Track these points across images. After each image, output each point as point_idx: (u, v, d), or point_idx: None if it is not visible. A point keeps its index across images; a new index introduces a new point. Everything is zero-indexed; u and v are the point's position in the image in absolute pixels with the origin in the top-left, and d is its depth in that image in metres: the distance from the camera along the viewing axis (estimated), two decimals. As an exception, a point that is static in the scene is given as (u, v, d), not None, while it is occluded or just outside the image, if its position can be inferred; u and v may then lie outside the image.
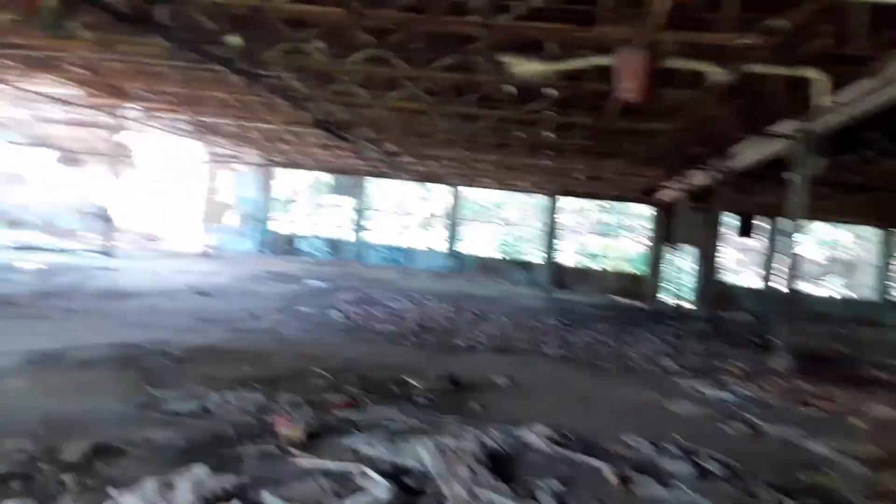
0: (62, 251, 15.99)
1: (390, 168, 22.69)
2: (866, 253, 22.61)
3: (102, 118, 18.33)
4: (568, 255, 24.37)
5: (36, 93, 16.42)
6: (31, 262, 12.79)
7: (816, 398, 7.84)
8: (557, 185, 21.92)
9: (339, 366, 6.64)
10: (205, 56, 9.78)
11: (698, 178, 16.01)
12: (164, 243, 23.65)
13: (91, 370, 5.44)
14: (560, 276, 23.03)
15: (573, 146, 14.63)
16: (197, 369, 5.93)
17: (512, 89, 10.75)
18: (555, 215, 23.00)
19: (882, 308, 21.38)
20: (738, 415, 6.51)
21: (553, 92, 10.38)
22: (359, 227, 24.90)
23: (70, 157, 24.79)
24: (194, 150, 22.71)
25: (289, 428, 4.25)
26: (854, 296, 22.27)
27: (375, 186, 26.09)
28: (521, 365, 8.04)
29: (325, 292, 13.45)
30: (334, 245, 24.84)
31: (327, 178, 25.27)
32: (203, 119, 18.25)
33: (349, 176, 24.59)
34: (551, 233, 22.90)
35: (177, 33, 8.43)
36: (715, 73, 6.56)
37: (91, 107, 17.55)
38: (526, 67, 6.98)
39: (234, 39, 7.83)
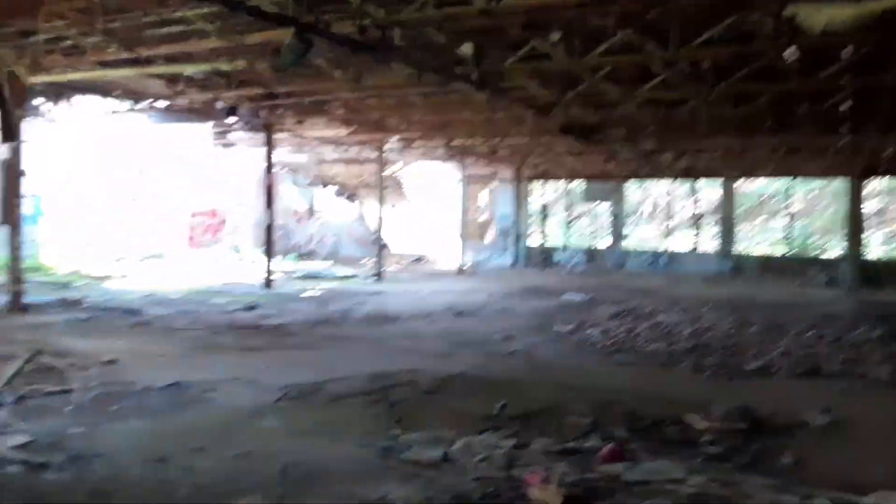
0: (342, 278, 17.40)
1: (648, 168, 21.04)
2: None
3: (370, 153, 19.79)
4: (877, 248, 20.20)
5: (312, 137, 18.31)
6: (313, 291, 13.99)
7: None
8: (858, 166, 18.20)
9: (600, 398, 5.71)
10: (446, 76, 9.67)
11: None
12: (429, 264, 24.83)
13: (341, 406, 5.28)
14: (868, 273, 19.05)
15: (882, 115, 11.82)
16: (445, 403, 5.49)
17: (794, 55, 8.85)
18: (856, 202, 19.16)
19: None
20: None
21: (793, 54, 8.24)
22: (617, 234, 23.52)
23: (347, 192, 27.43)
24: (451, 173, 23.54)
25: (541, 491, 3.47)
26: None
27: (633, 189, 24.53)
28: (838, 395, 6.28)
29: (584, 307, 12.55)
30: (592, 255, 23.78)
31: (581, 185, 24.37)
32: (455, 142, 18.70)
33: (604, 181, 23.39)
34: (854, 222, 19.10)
35: (413, 55, 8.34)
36: None
37: (358, 144, 19.08)
38: (824, 15, 5.39)
39: (467, 47, 7.41)
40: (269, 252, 14.14)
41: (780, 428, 5.13)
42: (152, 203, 20.62)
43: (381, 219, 18.80)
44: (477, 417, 5.01)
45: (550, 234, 25.81)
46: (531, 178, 24.98)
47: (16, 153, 9.47)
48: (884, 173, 18.77)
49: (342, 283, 16.04)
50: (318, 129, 16.76)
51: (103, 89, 13.53)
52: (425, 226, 27.25)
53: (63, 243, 16.85)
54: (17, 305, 9.37)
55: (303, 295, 13.16)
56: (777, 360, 7.80)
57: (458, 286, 16.00)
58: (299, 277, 16.84)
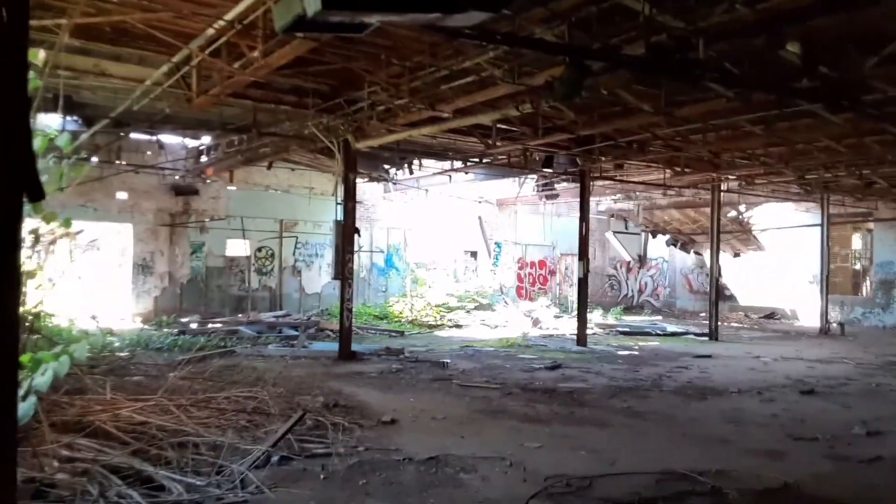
0: (668, 335, 15.73)
1: None
2: None
3: (705, 195, 17.83)
4: None
5: (635, 182, 17.22)
6: (630, 349, 12.76)
7: None
8: None
9: None
10: (781, 93, 7.89)
11: None
12: (783, 321, 21.24)
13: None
14: None
15: None
16: (754, 535, 3.96)
17: None
18: None
19: None
20: None
21: None
22: None
23: (682, 239, 25.32)
24: (812, 214, 19.99)
25: None
26: None
27: None
28: None
29: None
30: None
31: None
32: (811, 176, 15.71)
33: None
34: None
35: (728, 71, 6.89)
36: None
37: (687, 186, 17.34)
38: None
39: (794, 47, 5.75)
40: (583, 305, 13.34)
41: None
42: (486, 255, 21.70)
43: (716, 267, 16.60)
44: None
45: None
46: (924, 215, 19.79)
47: (349, 213, 10.49)
48: None
49: (667, 342, 14.41)
50: (640, 172, 15.64)
51: (436, 152, 14.64)
52: (779, 276, 23.57)
53: (408, 294, 18.59)
54: (346, 353, 10.23)
55: (617, 354, 12.03)
56: None
57: (816, 352, 13.05)
58: (621, 333, 15.69)
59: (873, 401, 8.23)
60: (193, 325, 13.66)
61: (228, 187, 16.78)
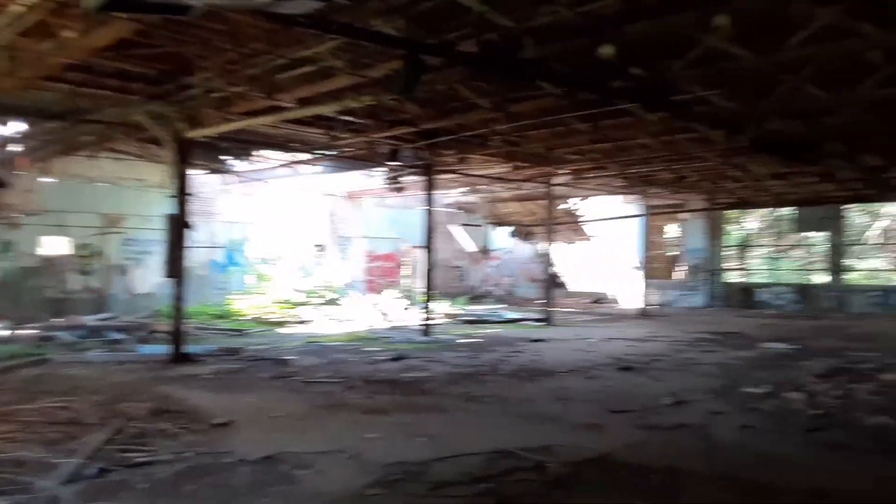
0: (508, 321, 16.49)
1: (875, 189, 17.66)
2: None
3: (540, 189, 18.82)
4: None
5: (478, 176, 17.80)
6: (473, 337, 13.22)
7: None
8: None
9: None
10: (602, 93, 8.50)
11: None
12: (610, 304, 23.04)
13: (442, 499, 4.29)
14: None
15: None
16: (570, 502, 4.28)
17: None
18: None
19: None
20: None
21: None
22: (836, 268, 20.00)
23: (523, 231, 26.63)
24: (634, 205, 21.79)
25: None
26: None
27: (857, 215, 20.87)
28: None
29: (786, 359, 10.34)
30: (805, 293, 20.45)
31: (790, 213, 21.22)
32: (632, 171, 17.11)
33: (819, 207, 20.12)
34: None
35: (555, 70, 7.33)
36: None
37: (525, 180, 18.23)
38: None
39: (607, 49, 6.24)
40: (429, 297, 13.63)
41: None
42: (333, 249, 21.44)
43: (550, 257, 17.65)
44: (607, 530, 3.77)
45: (751, 269, 22.78)
46: (727, 207, 22.33)
47: (181, 207, 9.90)
48: None
49: (507, 328, 15.12)
50: (482, 166, 16.19)
51: (278, 143, 14.19)
52: (606, 263, 25.54)
53: (251, 290, 17.90)
54: (179, 355, 9.67)
55: (460, 342, 12.43)
56: None
57: (636, 332, 14.31)
58: (465, 322, 16.22)
59: (681, 374, 9.19)
60: (2, 333, 12.25)
61: (44, 179, 15.18)
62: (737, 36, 6.77)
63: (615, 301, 23.91)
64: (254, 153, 15.30)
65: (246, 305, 16.80)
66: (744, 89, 8.90)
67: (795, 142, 11.92)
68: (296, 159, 15.14)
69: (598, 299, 24.32)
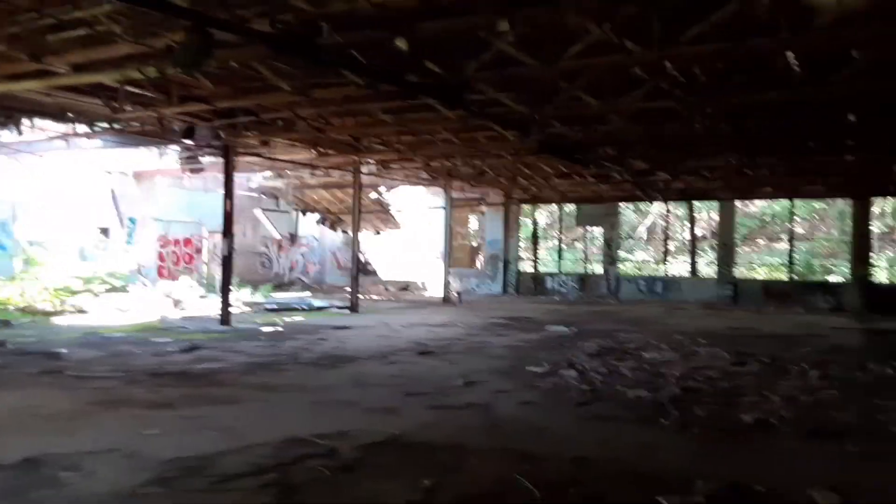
0: (315, 309, 16.30)
1: (641, 190, 20.03)
2: None
3: (349, 178, 18.75)
4: (885, 271, 19.07)
5: (284, 160, 17.31)
6: (276, 326, 12.89)
7: None
8: (867, 186, 17.16)
9: (559, 473, 4.60)
10: (403, 87, 8.67)
11: None
12: (418, 292, 23.74)
13: (221, 494, 4.15)
14: (876, 297, 17.93)
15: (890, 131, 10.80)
16: (360, 483, 4.37)
17: (795, 62, 7.87)
18: (863, 223, 18.06)
19: None
20: None
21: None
22: (611, 260, 22.43)
23: (331, 218, 26.43)
24: (439, 197, 22.57)
25: None
26: None
27: (628, 213, 23.52)
28: (855, 462, 5.15)
29: (566, 341, 11.42)
30: (585, 281, 22.68)
31: (574, 209, 23.35)
32: (435, 163, 17.72)
33: (598, 205, 22.38)
34: (860, 244, 17.99)
35: (355, 60, 7.37)
36: None
37: (332, 167, 18.09)
38: None
39: (401, 42, 6.41)
40: (227, 284, 13.04)
41: (784, 517, 4.01)
42: (119, 232, 19.64)
43: (358, 245, 17.74)
44: (393, 508, 3.91)
45: (542, 260, 24.76)
46: (521, 202, 24.01)
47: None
48: (892, 193, 17.70)
49: (311, 316, 14.94)
50: (288, 151, 15.78)
51: (51, 113, 12.64)
52: (414, 252, 26.27)
53: (18, 276, 15.80)
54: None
55: (261, 331, 12.05)
56: (778, 409, 6.68)
57: (437, 318, 14.90)
58: (268, 310, 15.75)
59: (474, 357, 9.74)
60: None
61: None
62: (523, 44, 7.32)
63: (423, 288, 24.68)
64: (23, 122, 13.48)
65: (12, 293, 14.82)
66: (530, 94, 9.62)
67: (574, 145, 13.17)
68: (74, 131, 13.59)
69: (406, 287, 24.93)
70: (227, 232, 13.07)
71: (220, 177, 18.15)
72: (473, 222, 27.81)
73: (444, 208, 21.45)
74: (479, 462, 4.85)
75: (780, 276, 20.60)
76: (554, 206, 24.49)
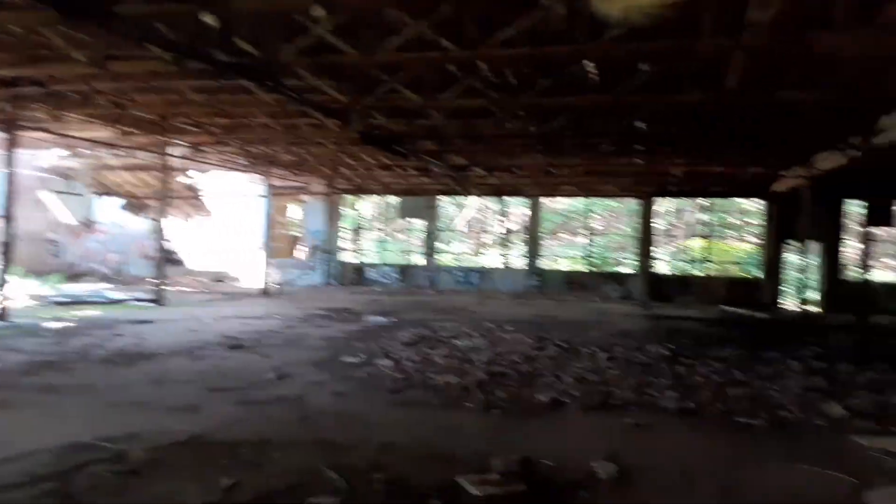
0: (112, 302, 14.96)
1: (459, 184, 20.79)
2: None
3: (156, 160, 17.37)
4: (665, 263, 21.59)
5: (81, 139, 15.64)
6: (63, 320, 11.65)
7: None
8: (650, 187, 19.28)
9: (367, 460, 4.68)
10: (212, 66, 8.20)
11: (826, 161, 13.13)
12: (230, 284, 22.68)
13: (-14, 507, 3.71)
14: (658, 286, 20.29)
15: (673, 137, 12.18)
16: (152, 487, 4.11)
17: (593, 70, 8.59)
18: (647, 220, 20.30)
19: None
20: None
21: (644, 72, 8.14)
22: (431, 251, 23.09)
23: (136, 203, 24.40)
24: (258, 185, 21.68)
25: None
26: None
27: (448, 206, 24.33)
28: (630, 433, 5.80)
29: (384, 331, 11.58)
30: (405, 272, 23.13)
31: (396, 201, 23.66)
32: (254, 149, 17.01)
33: (419, 197, 22.87)
34: (645, 239, 20.22)
35: (151, 30, 6.85)
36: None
37: (137, 147, 16.67)
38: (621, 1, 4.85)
39: (210, 18, 6.09)
40: (7, 274, 11.53)
41: (565, 485, 4.41)
42: None
43: (164, 232, 16.56)
44: (187, 510, 3.72)
45: (365, 251, 24.84)
46: (345, 192, 23.86)
47: None
48: (671, 194, 20.04)
49: (110, 310, 13.70)
50: (83, 127, 14.27)
51: None
52: (229, 242, 25.03)
53: None
54: None
55: (47, 327, 10.82)
56: (570, 388, 7.33)
57: (254, 310, 14.37)
58: (57, 303, 14.18)
59: (291, 349, 9.54)
60: None
61: None
62: (344, 32, 7.28)
63: (237, 280, 23.61)
64: None
65: None
66: (351, 83, 9.58)
67: (396, 138, 13.35)
68: None
69: (220, 278, 23.70)
70: (9, 216, 11.55)
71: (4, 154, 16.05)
72: (295, 211, 27.15)
73: (265, 196, 20.70)
74: (283, 456, 4.77)
75: (580, 268, 22.51)
76: (377, 198, 24.65)
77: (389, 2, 6.52)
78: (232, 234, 24.20)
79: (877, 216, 17.12)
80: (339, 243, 24.13)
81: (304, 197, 24.50)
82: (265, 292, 18.90)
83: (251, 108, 12.23)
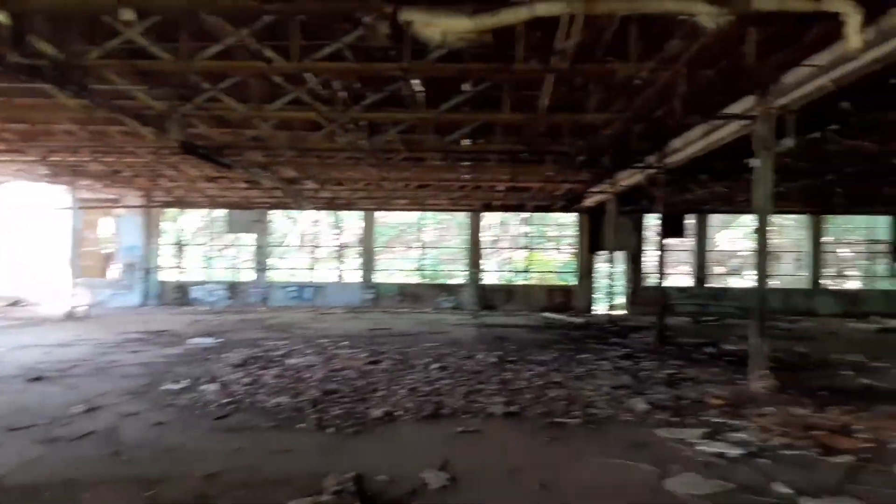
0: None
1: (291, 197, 20.33)
2: (787, 241, 22.01)
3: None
4: (493, 274, 22.65)
5: None
6: None
7: (832, 434, 6.21)
8: (478, 201, 20.18)
9: (191, 495, 4.41)
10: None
11: (628, 178, 14.60)
12: (30, 308, 20.28)
13: None
14: (486, 296, 21.26)
15: (495, 154, 12.84)
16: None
17: (420, 87, 8.84)
18: (476, 233, 21.22)
19: (813, 295, 20.77)
20: (765, 487, 4.75)
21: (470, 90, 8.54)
22: (262, 267, 22.30)
23: None
24: (64, 197, 19.60)
25: None
26: (780, 285, 21.47)
27: (279, 220, 23.63)
28: (459, 440, 6.01)
29: (210, 353, 10.99)
30: (234, 289, 22.12)
31: (224, 214, 22.56)
32: (57, 158, 15.43)
33: (248, 210, 22.01)
34: (474, 252, 21.11)
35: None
36: (706, 13, 4.78)
37: None
38: (440, 25, 5.04)
39: (2, 15, 5.50)
40: None
41: (397, 498, 4.47)
42: None
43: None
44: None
45: (188, 268, 23.38)
46: (165, 205, 22.33)
47: None
48: (497, 208, 21.10)
49: None
50: None
51: None
52: (26, 261, 22.38)
53: None
54: None
55: None
56: (403, 401, 7.44)
57: (57, 336, 12.96)
58: None
59: (101, 378, 8.72)
60: None
61: None
62: (159, 37, 6.88)
63: (38, 303, 21.15)
64: None
65: None
66: (168, 90, 9.08)
67: (220, 148, 12.79)
68: None
69: (16, 302, 21.10)
70: None
71: None
72: (107, 226, 24.90)
73: (71, 210, 18.78)
74: (94, 497, 4.37)
75: (413, 280, 22.92)
76: (202, 211, 23.35)
77: (207, 8, 6.27)
78: (32, 253, 21.66)
79: (670, 228, 19.29)
80: (159, 260, 22.51)
81: (119, 210, 22.59)
82: (71, 316, 17.13)
83: (52, 114, 11.16)
